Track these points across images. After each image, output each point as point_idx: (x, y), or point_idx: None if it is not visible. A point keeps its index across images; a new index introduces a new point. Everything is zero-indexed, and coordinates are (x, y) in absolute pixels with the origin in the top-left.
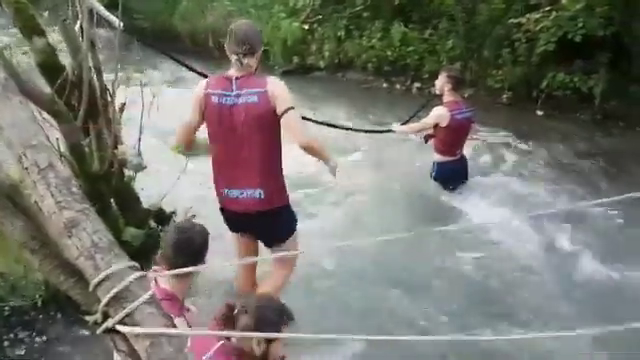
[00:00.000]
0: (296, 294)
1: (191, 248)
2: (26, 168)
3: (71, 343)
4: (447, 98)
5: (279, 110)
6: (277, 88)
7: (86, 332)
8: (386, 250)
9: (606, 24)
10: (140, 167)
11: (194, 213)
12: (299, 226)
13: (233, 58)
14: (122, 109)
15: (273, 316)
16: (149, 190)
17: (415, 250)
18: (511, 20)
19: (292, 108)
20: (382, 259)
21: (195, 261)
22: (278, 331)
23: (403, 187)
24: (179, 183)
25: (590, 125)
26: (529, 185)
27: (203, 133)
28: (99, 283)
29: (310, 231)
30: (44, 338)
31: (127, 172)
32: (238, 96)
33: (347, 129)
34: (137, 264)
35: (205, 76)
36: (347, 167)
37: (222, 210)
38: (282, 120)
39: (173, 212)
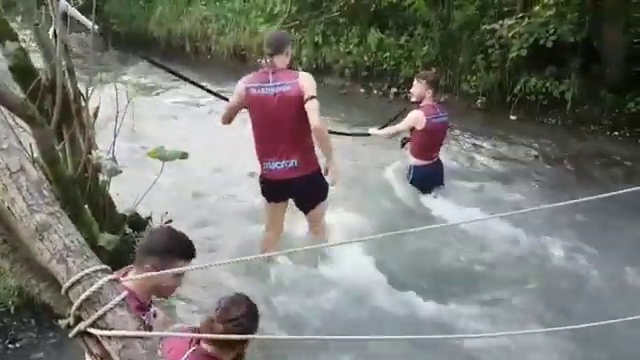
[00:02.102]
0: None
1: (152, 248)
2: None
3: (45, 349)
4: (425, 102)
5: (305, 97)
6: (306, 80)
7: (60, 338)
8: (363, 252)
9: (577, 30)
10: (115, 172)
11: (170, 218)
12: None
13: (265, 58)
14: (96, 114)
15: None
16: (124, 195)
17: (391, 251)
18: (485, 26)
19: (314, 97)
20: (358, 261)
21: (159, 260)
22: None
23: (380, 190)
24: (155, 188)
25: (562, 129)
26: (502, 188)
27: (175, 144)
28: (71, 286)
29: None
30: (17, 345)
31: (102, 177)
32: (275, 87)
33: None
34: (109, 267)
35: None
36: None
37: (262, 181)
38: (305, 105)
39: (149, 217)
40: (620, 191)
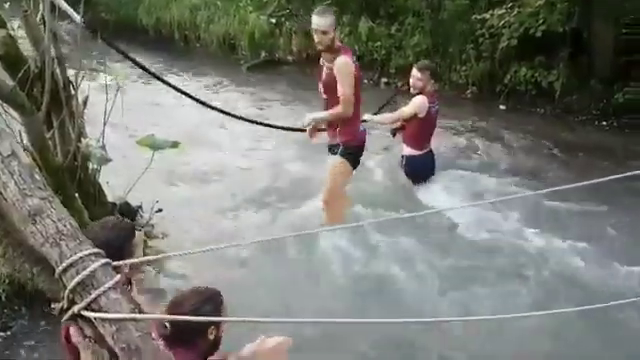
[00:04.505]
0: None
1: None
2: None
3: (37, 337)
4: (427, 90)
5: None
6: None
7: (52, 326)
8: (353, 239)
9: (566, 20)
10: (104, 160)
11: (160, 207)
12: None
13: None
14: (85, 103)
15: (210, 309)
16: (115, 184)
17: (381, 237)
18: (475, 16)
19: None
20: (350, 247)
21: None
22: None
23: (373, 179)
24: (145, 177)
25: (551, 119)
26: (491, 176)
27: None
28: (64, 270)
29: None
30: (9, 332)
31: (91, 165)
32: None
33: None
34: (102, 251)
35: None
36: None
37: (359, 148)
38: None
39: (139, 206)
40: (601, 179)
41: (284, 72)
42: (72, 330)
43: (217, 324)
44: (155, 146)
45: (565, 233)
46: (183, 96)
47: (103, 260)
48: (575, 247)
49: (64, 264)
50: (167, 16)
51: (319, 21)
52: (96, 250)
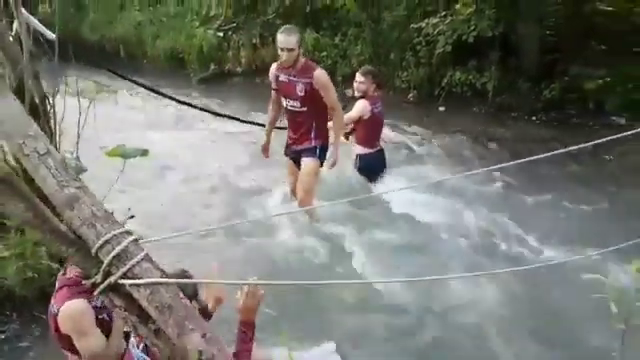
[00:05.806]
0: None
1: None
2: (27, 155)
3: (30, 340)
4: (369, 94)
5: None
6: None
7: (43, 330)
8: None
9: (495, 25)
10: (80, 170)
11: (133, 214)
12: None
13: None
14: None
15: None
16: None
17: (337, 221)
18: (412, 25)
19: None
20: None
21: None
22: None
23: (329, 177)
24: (115, 186)
25: (486, 117)
26: (435, 170)
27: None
28: (101, 246)
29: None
30: (2, 336)
31: None
32: None
33: (279, 128)
34: (130, 229)
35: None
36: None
37: None
38: None
39: (110, 214)
40: (525, 159)
41: (234, 83)
42: (59, 319)
43: (195, 297)
44: (125, 155)
45: (497, 209)
46: (145, 111)
47: (132, 237)
48: (505, 220)
49: (101, 241)
50: (112, 33)
51: (286, 40)
52: (126, 229)
